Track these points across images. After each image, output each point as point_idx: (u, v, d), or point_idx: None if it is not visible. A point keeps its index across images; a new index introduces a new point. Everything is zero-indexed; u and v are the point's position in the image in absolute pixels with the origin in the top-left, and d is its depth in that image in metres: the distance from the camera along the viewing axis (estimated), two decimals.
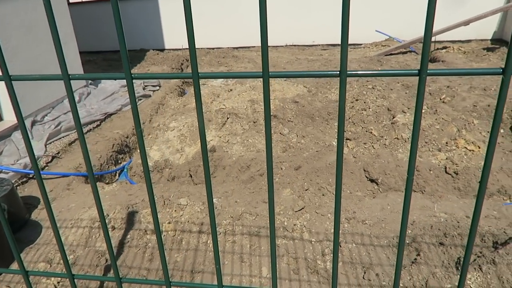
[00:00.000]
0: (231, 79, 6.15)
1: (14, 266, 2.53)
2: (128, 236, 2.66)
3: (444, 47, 7.39)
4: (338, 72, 0.58)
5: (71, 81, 0.72)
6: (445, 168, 3.37)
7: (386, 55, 7.27)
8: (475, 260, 2.21)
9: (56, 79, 0.71)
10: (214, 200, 2.95)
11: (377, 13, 8.08)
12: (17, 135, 4.08)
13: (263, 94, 0.55)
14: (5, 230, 0.83)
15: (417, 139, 0.57)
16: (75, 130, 4.51)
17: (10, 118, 4.30)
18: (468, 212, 2.68)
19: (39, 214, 3.04)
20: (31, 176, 3.55)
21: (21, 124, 0.76)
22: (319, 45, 8.89)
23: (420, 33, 7.29)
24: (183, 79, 0.70)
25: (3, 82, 0.75)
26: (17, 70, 4.23)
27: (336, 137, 4.10)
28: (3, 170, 3.42)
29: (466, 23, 6.70)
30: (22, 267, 0.87)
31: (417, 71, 0.55)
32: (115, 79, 0.70)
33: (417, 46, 7.57)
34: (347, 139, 4.00)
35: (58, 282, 2.31)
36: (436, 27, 7.06)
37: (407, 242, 2.45)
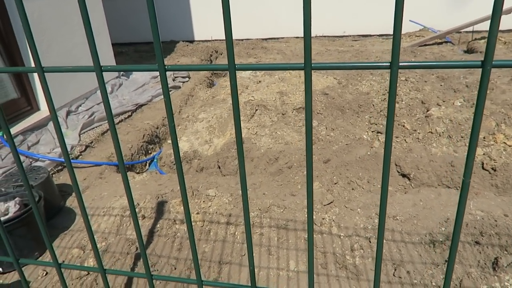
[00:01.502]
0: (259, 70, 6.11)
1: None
2: (158, 226, 2.70)
3: (483, 38, 7.06)
4: (389, 64, 0.53)
5: (103, 73, 0.71)
6: (482, 164, 3.22)
7: (420, 46, 7.02)
8: None
9: (88, 71, 0.71)
10: None
11: (411, 2, 7.80)
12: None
13: (305, 86, 0.52)
14: (39, 222, 0.84)
15: (477, 138, 0.52)
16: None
17: (47, 109, 4.43)
18: (506, 210, 2.55)
19: (73, 202, 3.13)
20: (65, 164, 3.66)
21: (53, 114, 0.76)
22: (350, 35, 8.69)
23: (457, 23, 6.99)
24: (218, 71, 0.68)
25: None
26: (52, 62, 4.35)
27: (367, 130, 3.99)
28: (40, 159, 3.53)
29: (507, 11, 6.37)
30: (55, 259, 0.87)
31: (480, 62, 0.49)
32: (148, 71, 0.68)
33: (453, 36, 7.27)
34: (378, 132, 3.89)
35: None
36: (474, 16, 6.74)
37: (441, 240, 2.36)
